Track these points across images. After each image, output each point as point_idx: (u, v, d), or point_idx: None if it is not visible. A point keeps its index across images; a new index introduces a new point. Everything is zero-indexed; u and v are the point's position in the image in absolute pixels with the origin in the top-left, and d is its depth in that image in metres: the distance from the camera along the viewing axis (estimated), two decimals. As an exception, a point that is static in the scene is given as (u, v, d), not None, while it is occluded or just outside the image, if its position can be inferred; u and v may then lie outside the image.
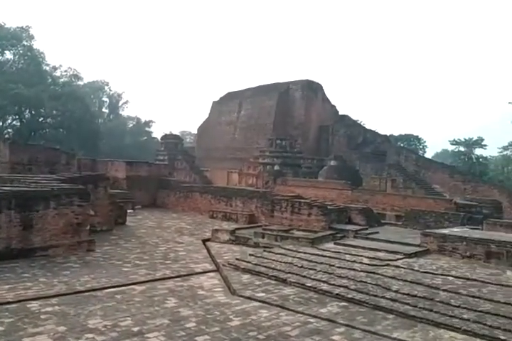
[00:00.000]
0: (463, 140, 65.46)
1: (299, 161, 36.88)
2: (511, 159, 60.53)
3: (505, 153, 61.96)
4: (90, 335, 7.26)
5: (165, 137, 44.50)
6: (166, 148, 41.85)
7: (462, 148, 66.18)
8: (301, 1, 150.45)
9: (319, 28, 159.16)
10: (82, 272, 11.18)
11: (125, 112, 72.93)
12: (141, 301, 9.27)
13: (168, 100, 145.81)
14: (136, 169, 27.25)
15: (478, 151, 65.67)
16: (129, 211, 21.19)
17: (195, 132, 55.13)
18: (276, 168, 33.98)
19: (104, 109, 69.61)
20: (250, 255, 13.69)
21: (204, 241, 16.61)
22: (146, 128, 70.37)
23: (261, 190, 25.01)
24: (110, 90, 69.35)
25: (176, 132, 57.98)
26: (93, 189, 16.54)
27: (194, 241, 16.45)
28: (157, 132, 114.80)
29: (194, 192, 25.21)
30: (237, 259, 13.33)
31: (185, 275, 11.63)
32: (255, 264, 12.65)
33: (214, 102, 49.29)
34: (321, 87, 44.13)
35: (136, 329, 7.65)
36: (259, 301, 9.67)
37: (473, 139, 64.91)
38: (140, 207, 24.95)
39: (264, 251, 14.11)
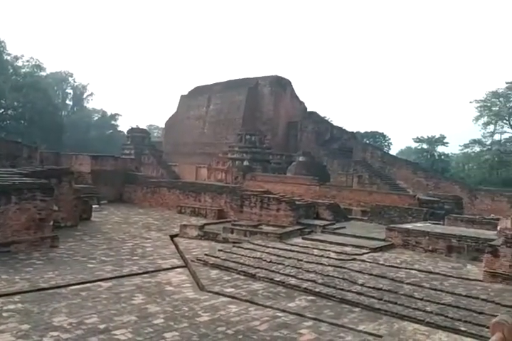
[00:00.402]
0: (426, 138, 67.57)
1: (268, 157, 37.04)
2: (472, 157, 62.98)
3: (465, 150, 64.38)
4: (55, 333, 7.07)
5: (132, 131, 43.61)
6: (132, 142, 41.06)
7: (425, 146, 68.34)
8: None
9: (288, 24, 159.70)
10: (45, 269, 10.85)
11: (90, 105, 71.13)
12: (108, 298, 9.09)
13: (135, 93, 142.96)
14: (101, 163, 26.62)
15: (440, 149, 68.07)
16: (94, 206, 20.69)
17: (163, 126, 54.34)
18: (245, 163, 34.01)
19: (68, 101, 67.61)
20: (219, 250, 13.67)
21: (172, 236, 16.44)
22: (112, 122, 68.78)
23: (230, 186, 24.98)
24: (74, 82, 67.46)
25: (143, 126, 56.97)
26: (57, 183, 16.03)
27: (162, 237, 16.26)
28: (123, 126, 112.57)
29: (162, 187, 24.89)
30: (205, 255, 13.28)
31: (152, 272, 11.49)
32: (224, 260, 12.65)
33: (182, 96, 48.70)
34: (290, 83, 44.37)
35: (102, 326, 7.51)
36: (228, 296, 9.68)
37: (436, 137, 67.14)
38: (106, 202, 24.42)
39: (234, 246, 14.12)
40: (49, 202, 13.55)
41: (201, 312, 8.58)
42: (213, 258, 12.83)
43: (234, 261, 12.41)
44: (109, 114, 69.11)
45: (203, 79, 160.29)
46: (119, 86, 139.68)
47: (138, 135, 41.92)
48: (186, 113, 46.46)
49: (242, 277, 11.30)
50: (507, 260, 10.35)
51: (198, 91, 47.15)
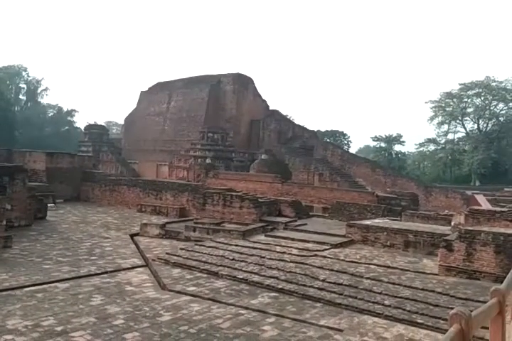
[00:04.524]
0: (384, 137, 69.62)
1: (231, 155, 36.94)
2: (427, 155, 65.57)
3: (421, 149, 67.01)
4: (9, 337, 6.75)
5: (89, 127, 42.26)
6: (90, 139, 39.79)
7: (383, 144, 70.39)
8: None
9: (250, 22, 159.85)
10: (-4, 271, 10.34)
11: (45, 100, 68.32)
12: (65, 299, 8.78)
13: (92, 89, 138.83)
14: (57, 161, 25.61)
15: (397, 147, 70.36)
16: (49, 205, 19.91)
17: (122, 123, 53.03)
18: (208, 161, 33.75)
19: (21, 96, 64.73)
20: (181, 249, 13.50)
21: (132, 235, 16.08)
22: (69, 118, 66.40)
23: (192, 183, 24.71)
24: (28, 76, 64.62)
25: (102, 122, 55.53)
26: (9, 181, 15.33)
27: (121, 236, 15.87)
28: (81, 122, 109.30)
29: (121, 186, 24.28)
30: (167, 254, 13.09)
31: (112, 272, 11.19)
32: (186, 258, 12.50)
33: (142, 92, 47.66)
34: (252, 81, 44.40)
35: (59, 328, 7.24)
36: (191, 295, 9.58)
37: (393, 136, 69.27)
38: (62, 200, 23.57)
39: (196, 244, 13.98)
40: (1, 200, 12.92)
41: (163, 311, 8.44)
42: (175, 257, 12.66)
43: (196, 260, 12.29)
44: (65, 109, 66.75)
45: (164, 75, 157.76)
46: (75, 81, 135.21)
47: (96, 131, 40.69)
48: (147, 109, 45.52)
49: (205, 275, 11.21)
50: (461, 254, 10.81)
51: (159, 87, 46.28)
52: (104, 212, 21.72)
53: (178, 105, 43.19)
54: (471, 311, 2.17)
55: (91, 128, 41.86)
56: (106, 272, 11.09)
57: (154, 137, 42.82)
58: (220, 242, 13.98)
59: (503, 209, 14.10)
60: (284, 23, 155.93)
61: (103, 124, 50.06)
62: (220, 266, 11.68)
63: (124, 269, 11.57)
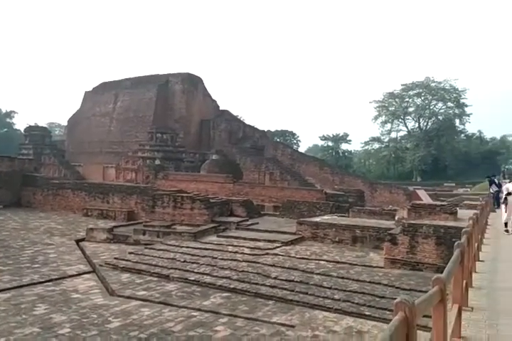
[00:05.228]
0: (331, 136, 71.55)
1: (181, 155, 36.46)
2: (371, 153, 68.18)
3: (366, 147, 69.56)
4: None
5: (29, 129, 40.16)
6: (30, 142, 37.81)
7: (330, 143, 72.33)
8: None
9: (198, 23, 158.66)
10: None
11: (-20, 101, 64.41)
12: (6, 310, 8.31)
13: (33, 89, 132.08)
14: (-6, 164, 24.16)
15: (344, 146, 72.60)
16: (-14, 212, 18.75)
17: (66, 124, 50.87)
18: (157, 162, 33.09)
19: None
20: (130, 253, 13.16)
21: (78, 241, 15.49)
22: (8, 120, 63.00)
23: (141, 186, 24.17)
24: (-40, 74, 60.57)
25: (43, 124, 52.97)
26: None
27: (66, 242, 15.23)
28: (21, 124, 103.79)
29: (65, 189, 23.30)
30: (115, 258, 12.71)
31: (56, 279, 10.73)
32: (136, 262, 12.21)
33: (87, 92, 45.94)
34: (202, 80, 44.06)
35: (1, 340, 6.84)
36: (141, 300, 9.36)
37: (340, 135, 71.35)
38: (1, 206, 22.30)
39: (145, 248, 13.69)
40: None
41: (112, 318, 8.18)
42: (124, 262, 12.32)
43: (146, 263, 12.03)
44: (3, 111, 63.17)
45: (110, 74, 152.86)
46: (14, 81, 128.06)
47: (37, 133, 38.70)
48: (92, 110, 43.91)
49: (155, 279, 10.99)
50: (404, 247, 11.31)
51: (105, 87, 44.79)
52: (47, 217, 20.74)
53: (125, 105, 42.04)
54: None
55: (31, 130, 39.82)
56: (50, 280, 10.61)
57: (100, 138, 41.39)
58: (170, 245, 13.77)
59: (442, 203, 14.93)
60: (233, 23, 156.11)
61: (45, 126, 47.83)
62: (171, 268, 11.50)
63: (70, 276, 11.13)
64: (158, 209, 17.70)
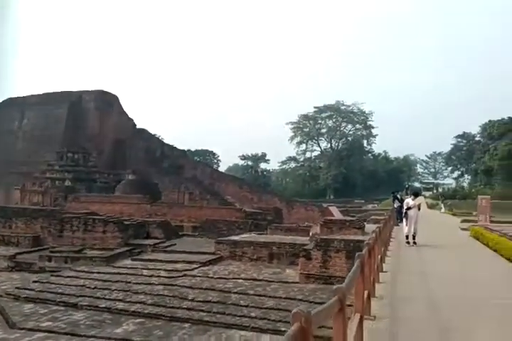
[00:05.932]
0: (250, 155, 73.04)
1: (94, 176, 34.77)
2: (288, 172, 70.72)
3: (283, 166, 72.01)
4: None
5: None
6: None
7: (250, 163, 73.70)
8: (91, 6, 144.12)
9: (111, 40, 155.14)
10: None
11: None
12: None
13: None
14: None
15: (262, 165, 74.34)
16: None
17: (-37, 142, 46.24)
18: (67, 183, 31.20)
19: None
20: (34, 282, 12.16)
21: (-27, 271, 13.97)
22: None
23: (48, 209, 22.58)
24: None
25: None
26: None
27: (-41, 273, 13.66)
28: None
29: (-41, 214, 20.98)
30: (17, 288, 11.68)
31: None
32: (40, 291, 11.29)
33: (-12, 108, 42.40)
34: (117, 98, 42.83)
35: None
36: (45, 331, 8.65)
37: (259, 155, 73.11)
38: None
39: (52, 275, 12.73)
40: None
41: (10, 354, 7.44)
42: (27, 291, 11.34)
43: (52, 292, 11.18)
44: None
45: (16, 90, 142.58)
46: None
47: None
48: (-7, 127, 40.51)
49: (62, 308, 10.23)
50: (318, 262, 11.72)
51: (9, 104, 41.72)
52: None
53: (32, 123, 39.46)
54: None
55: None
56: None
57: (3, 158, 38.16)
58: (80, 271, 12.96)
59: (352, 219, 15.79)
60: (150, 40, 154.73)
61: None
62: (80, 296, 10.80)
63: (-38, 311, 9.95)
64: (67, 234, 16.62)
